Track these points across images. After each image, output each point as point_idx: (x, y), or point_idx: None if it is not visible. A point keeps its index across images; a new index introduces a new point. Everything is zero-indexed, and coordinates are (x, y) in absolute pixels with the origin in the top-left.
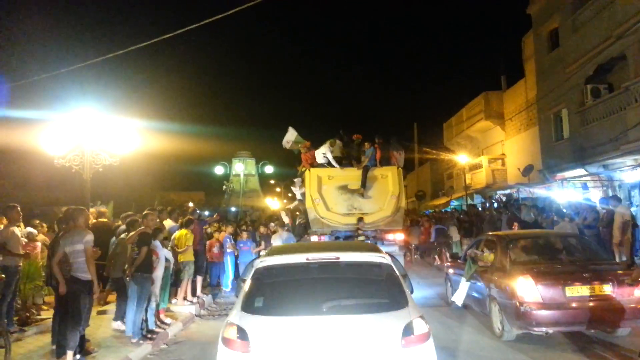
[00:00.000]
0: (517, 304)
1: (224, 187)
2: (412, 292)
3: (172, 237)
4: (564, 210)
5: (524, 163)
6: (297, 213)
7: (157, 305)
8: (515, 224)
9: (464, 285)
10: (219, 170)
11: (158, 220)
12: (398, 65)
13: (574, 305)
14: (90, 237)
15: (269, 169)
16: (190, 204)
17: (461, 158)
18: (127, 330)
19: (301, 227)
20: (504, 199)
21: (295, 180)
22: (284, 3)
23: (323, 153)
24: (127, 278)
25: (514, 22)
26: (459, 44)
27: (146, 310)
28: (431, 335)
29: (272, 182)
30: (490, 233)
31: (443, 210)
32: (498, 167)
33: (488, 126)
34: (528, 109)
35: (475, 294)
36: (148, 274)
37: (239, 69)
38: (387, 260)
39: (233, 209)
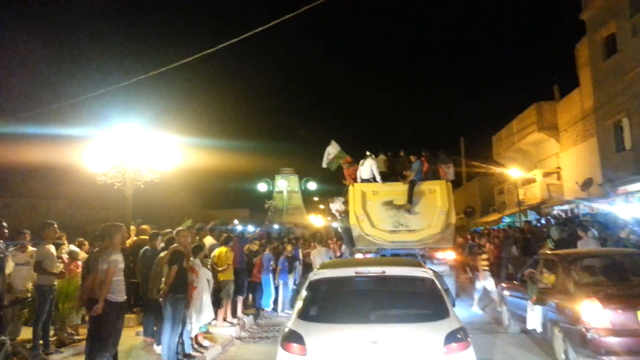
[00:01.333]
0: (583, 330)
1: (266, 205)
2: (454, 305)
3: (212, 255)
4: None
5: (582, 176)
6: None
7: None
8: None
9: (535, 309)
10: (262, 187)
11: (198, 237)
12: (443, 77)
13: None
14: (116, 257)
15: (312, 186)
16: (235, 221)
17: (513, 172)
18: (163, 355)
19: (346, 244)
20: (563, 215)
21: (331, 203)
22: (327, 17)
23: (370, 166)
24: (161, 299)
25: (565, 29)
26: (507, 53)
27: (181, 334)
28: (471, 345)
29: (315, 199)
30: (549, 252)
31: (492, 227)
32: (553, 182)
33: (541, 138)
34: (584, 119)
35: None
36: (181, 295)
37: (282, 85)
38: (429, 274)
39: (276, 226)
